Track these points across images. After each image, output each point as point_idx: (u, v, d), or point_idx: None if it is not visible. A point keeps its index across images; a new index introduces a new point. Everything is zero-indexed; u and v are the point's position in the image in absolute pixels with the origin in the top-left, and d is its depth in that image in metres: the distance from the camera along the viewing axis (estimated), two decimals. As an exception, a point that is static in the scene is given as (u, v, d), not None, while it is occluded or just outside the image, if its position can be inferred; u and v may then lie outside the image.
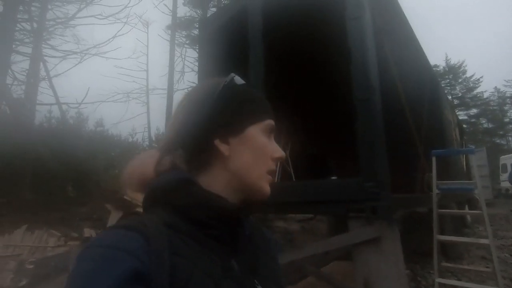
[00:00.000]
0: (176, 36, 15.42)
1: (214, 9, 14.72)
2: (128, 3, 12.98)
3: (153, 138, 16.19)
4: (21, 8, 9.56)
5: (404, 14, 4.04)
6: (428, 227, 3.25)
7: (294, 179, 4.95)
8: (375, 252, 2.13)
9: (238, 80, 0.61)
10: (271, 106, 0.63)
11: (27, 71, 9.84)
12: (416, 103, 4.25)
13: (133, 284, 0.40)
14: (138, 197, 0.56)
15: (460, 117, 22.30)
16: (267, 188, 0.58)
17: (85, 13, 11.28)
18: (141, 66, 17.41)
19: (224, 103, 0.57)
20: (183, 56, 16.13)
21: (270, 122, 0.60)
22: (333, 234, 4.17)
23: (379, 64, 2.56)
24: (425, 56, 5.36)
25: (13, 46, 9.45)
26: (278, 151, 0.60)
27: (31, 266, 3.55)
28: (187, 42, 16.37)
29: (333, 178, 5.29)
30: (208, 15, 12.61)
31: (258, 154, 0.57)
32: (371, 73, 2.42)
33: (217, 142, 0.55)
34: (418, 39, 4.87)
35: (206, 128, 0.56)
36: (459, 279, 3.90)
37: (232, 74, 0.62)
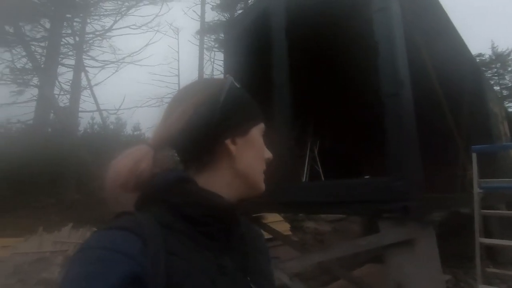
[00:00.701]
0: (205, 40, 15.82)
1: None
2: (159, 12, 13.60)
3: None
4: (65, 24, 10.40)
5: (438, 1, 3.78)
6: (472, 229, 3.00)
7: (323, 179, 4.84)
8: (408, 255, 2.01)
9: (235, 82, 0.63)
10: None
11: (71, 81, 10.69)
12: (455, 96, 3.95)
13: (130, 286, 0.39)
14: (123, 197, 0.54)
15: (511, 109, 20.29)
16: (263, 186, 0.62)
17: (120, 25, 12.00)
18: (172, 71, 18.07)
19: (233, 105, 0.59)
20: (212, 60, 16.51)
21: (263, 126, 0.65)
22: (366, 235, 4.01)
23: (409, 57, 2.42)
24: (465, 45, 4.96)
25: (59, 59, 10.32)
26: (269, 152, 0.64)
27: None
28: (216, 45, 16.73)
29: (366, 177, 5.09)
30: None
31: (259, 154, 0.62)
32: (400, 66, 2.29)
33: (228, 142, 0.56)
34: (457, 28, 4.52)
35: (218, 129, 0.56)
36: (510, 286, 3.55)
37: (229, 77, 0.62)
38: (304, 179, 4.69)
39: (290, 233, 6.04)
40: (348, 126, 5.70)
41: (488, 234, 3.58)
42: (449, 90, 3.60)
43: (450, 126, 3.52)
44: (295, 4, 3.23)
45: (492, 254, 4.30)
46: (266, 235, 4.39)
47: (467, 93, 4.40)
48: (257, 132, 0.62)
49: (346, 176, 3.88)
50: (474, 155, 2.78)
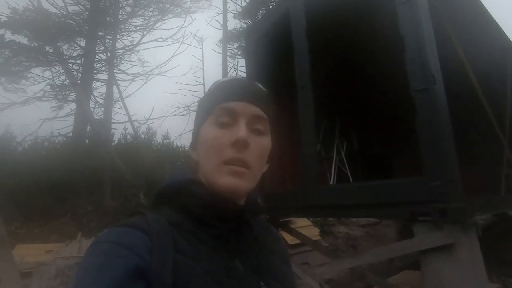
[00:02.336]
0: (228, 48, 16.09)
1: (262, 17, 14.98)
2: (183, 24, 14.11)
3: (212, 147, 17.03)
4: (97, 41, 11.10)
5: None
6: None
7: (351, 181, 4.67)
8: (447, 261, 1.86)
9: (214, 84, 0.60)
10: (235, 89, 0.57)
11: (104, 95, 11.35)
12: (496, 90, 3.65)
13: (134, 279, 0.41)
14: None
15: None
16: (221, 180, 0.52)
17: (148, 38, 12.62)
18: (198, 80, 18.55)
19: (195, 115, 0.62)
20: (235, 67, 16.74)
21: (221, 107, 0.54)
22: (401, 240, 3.80)
23: (440, 50, 2.28)
24: (505, 36, 4.59)
25: (93, 74, 11.02)
26: (234, 135, 0.52)
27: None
28: (239, 52, 16.96)
29: (397, 178, 4.84)
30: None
31: (207, 147, 0.54)
32: (429, 60, 2.15)
33: (190, 152, 0.60)
34: (496, 13, 4.19)
35: (191, 141, 0.62)
36: None
37: (214, 82, 0.63)
38: (331, 182, 4.56)
39: (319, 238, 5.89)
40: (376, 125, 5.49)
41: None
42: (488, 84, 3.34)
43: (491, 122, 3.25)
44: (315, 4, 3.18)
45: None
46: (294, 241, 4.30)
47: (508, 85, 4.06)
48: (206, 126, 0.56)
49: (375, 178, 3.72)
50: (520, 152, 2.54)
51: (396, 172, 5.28)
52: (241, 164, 0.52)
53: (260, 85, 0.60)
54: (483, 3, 3.91)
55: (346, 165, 4.83)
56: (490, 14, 4.08)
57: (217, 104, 0.55)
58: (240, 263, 0.52)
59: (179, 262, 0.45)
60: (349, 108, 5.20)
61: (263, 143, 0.55)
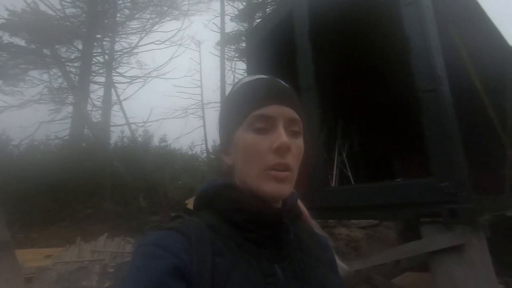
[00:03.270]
0: (226, 50, 16.11)
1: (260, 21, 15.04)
2: (181, 27, 14.12)
3: (210, 150, 17.01)
4: (95, 44, 11.06)
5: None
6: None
7: (353, 183, 4.67)
8: (458, 261, 1.86)
9: (239, 82, 0.61)
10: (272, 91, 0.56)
11: (102, 98, 11.30)
12: (497, 91, 3.68)
13: (173, 279, 0.42)
14: None
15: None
16: (266, 187, 0.51)
17: (146, 41, 12.58)
18: (195, 83, 18.53)
19: (222, 116, 0.61)
20: (233, 69, 16.75)
21: (256, 113, 0.53)
22: (402, 242, 3.79)
23: (445, 51, 2.29)
24: (503, 38, 4.64)
25: (91, 77, 10.97)
26: (275, 141, 0.52)
27: (112, 270, 3.97)
28: (236, 55, 16.99)
29: (399, 180, 4.84)
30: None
31: (247, 154, 0.53)
32: (435, 61, 2.17)
33: (221, 155, 0.61)
34: (495, 17, 4.24)
35: (220, 143, 0.63)
36: None
37: (238, 81, 0.63)
38: (333, 184, 4.55)
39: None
40: (378, 127, 5.50)
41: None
42: (489, 85, 3.37)
43: (493, 123, 3.27)
44: (318, 5, 3.19)
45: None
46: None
47: (509, 87, 4.09)
48: (241, 131, 0.54)
49: (376, 180, 3.71)
50: (525, 152, 2.56)
51: (397, 174, 5.29)
52: (283, 168, 0.52)
53: (284, 83, 0.60)
54: (483, 7, 3.96)
55: (348, 167, 4.83)
56: (489, 17, 4.13)
57: (251, 110, 0.53)
58: (280, 269, 0.51)
59: (218, 264, 0.46)
60: (351, 109, 5.21)
61: (300, 145, 0.56)
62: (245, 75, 4.41)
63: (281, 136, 0.51)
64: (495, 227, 4.35)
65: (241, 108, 0.55)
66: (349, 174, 4.86)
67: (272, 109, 0.53)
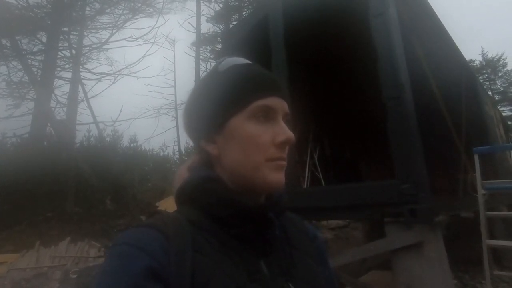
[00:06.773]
0: (201, 51, 15.96)
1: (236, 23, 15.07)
2: (155, 24, 13.77)
3: (183, 151, 16.67)
4: (61, 37, 10.46)
5: (431, 8, 3.86)
6: (475, 233, 2.98)
7: (323, 185, 4.82)
8: (417, 258, 1.99)
9: (225, 64, 0.54)
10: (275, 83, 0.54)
11: (67, 94, 10.69)
12: (452, 100, 3.99)
13: (149, 281, 0.40)
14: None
15: (504, 113, 20.54)
16: (272, 176, 0.50)
17: (117, 37, 12.15)
18: (169, 82, 18.19)
19: (205, 99, 0.54)
20: (208, 71, 16.62)
21: (260, 103, 0.50)
22: (368, 242, 3.98)
23: (408, 61, 2.45)
24: (459, 51, 5.06)
25: (55, 72, 10.34)
26: (280, 134, 0.50)
27: (75, 276, 3.75)
28: (212, 56, 16.88)
29: (367, 181, 5.08)
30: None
31: (245, 145, 0.50)
32: (400, 70, 2.32)
33: (202, 143, 0.54)
34: (450, 34, 4.62)
35: (195, 130, 0.56)
36: (517, 290, 3.52)
37: (220, 60, 0.56)
38: (305, 185, 4.67)
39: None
40: (347, 131, 5.73)
41: (491, 237, 3.56)
42: (446, 94, 3.64)
43: (449, 129, 3.54)
44: (293, 12, 3.28)
45: (497, 257, 4.27)
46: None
47: (463, 96, 4.46)
48: (240, 120, 0.50)
49: (346, 182, 3.87)
50: (476, 157, 2.79)
51: (363, 176, 5.54)
52: (283, 159, 0.52)
53: None
54: (442, 23, 4.29)
55: (319, 169, 4.98)
56: (447, 31, 4.49)
57: (255, 99, 0.50)
58: (266, 265, 0.49)
59: (199, 263, 0.44)
60: (322, 114, 5.38)
61: None
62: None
63: (286, 130, 0.51)
64: (451, 227, 4.70)
65: (242, 95, 0.51)
66: (320, 176, 5.01)
67: (275, 101, 0.52)
